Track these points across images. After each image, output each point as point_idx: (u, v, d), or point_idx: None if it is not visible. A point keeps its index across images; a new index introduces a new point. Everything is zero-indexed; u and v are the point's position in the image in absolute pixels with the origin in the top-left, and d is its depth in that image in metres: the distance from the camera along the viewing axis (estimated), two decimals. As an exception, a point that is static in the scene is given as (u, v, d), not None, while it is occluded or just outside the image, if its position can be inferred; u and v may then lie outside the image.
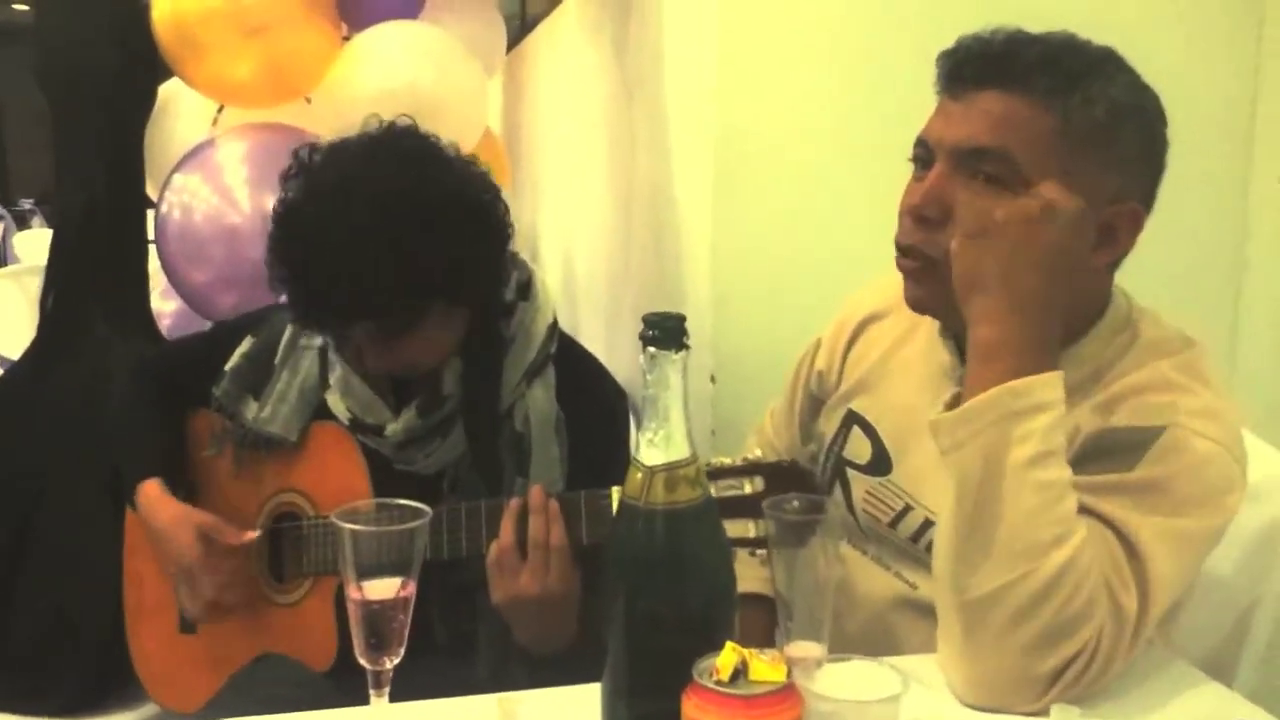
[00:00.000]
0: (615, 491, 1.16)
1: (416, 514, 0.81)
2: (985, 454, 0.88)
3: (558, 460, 1.34)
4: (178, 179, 1.87)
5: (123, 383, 1.50)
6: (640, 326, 0.78)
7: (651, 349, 0.77)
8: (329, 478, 1.38)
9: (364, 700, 0.97)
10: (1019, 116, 0.94)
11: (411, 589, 0.79)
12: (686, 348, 0.78)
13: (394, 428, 1.33)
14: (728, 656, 0.66)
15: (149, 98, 1.97)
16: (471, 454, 1.34)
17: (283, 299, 1.44)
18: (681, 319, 0.78)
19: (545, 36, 3.36)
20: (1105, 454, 0.93)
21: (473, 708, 0.90)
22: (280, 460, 1.41)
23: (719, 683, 0.65)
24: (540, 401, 1.35)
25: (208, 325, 1.92)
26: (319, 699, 1.10)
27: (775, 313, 1.70)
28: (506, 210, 1.33)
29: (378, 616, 0.79)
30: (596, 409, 1.35)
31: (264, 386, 1.40)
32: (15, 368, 1.90)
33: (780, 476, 1.07)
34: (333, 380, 1.37)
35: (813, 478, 1.14)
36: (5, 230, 6.91)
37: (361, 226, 1.19)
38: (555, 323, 1.40)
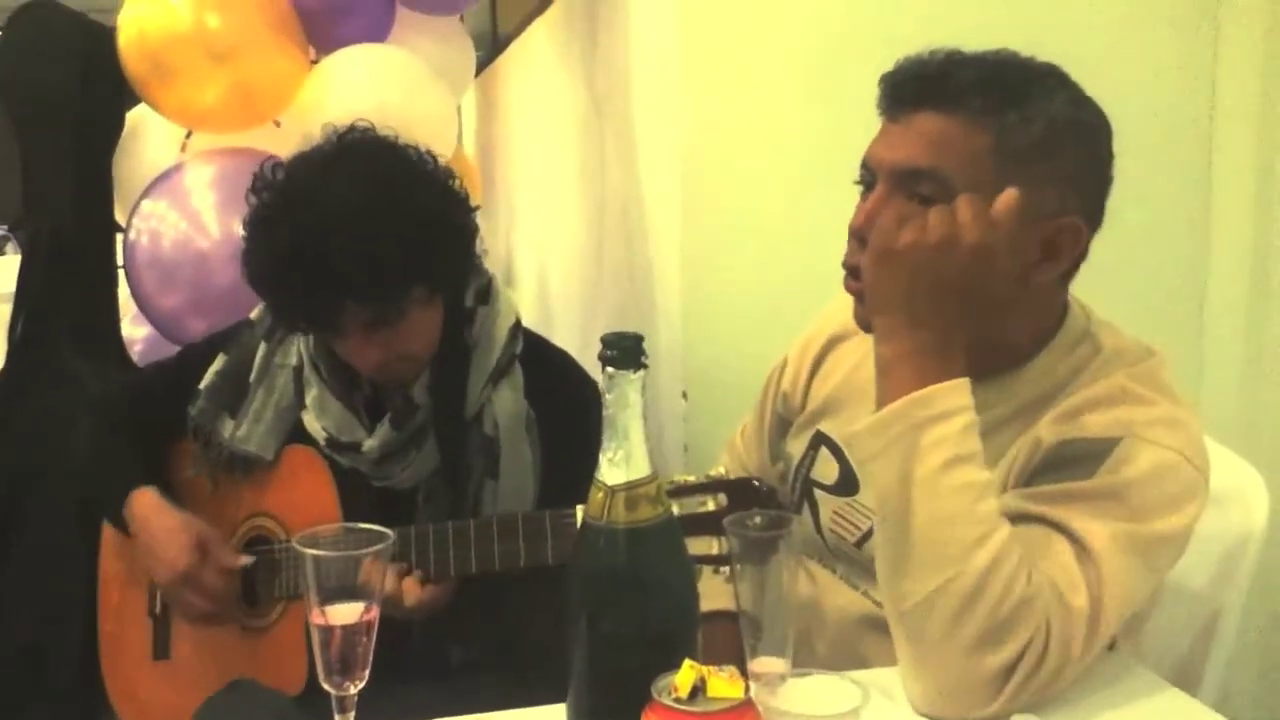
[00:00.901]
0: (580, 510, 1.17)
1: (379, 538, 0.81)
2: (897, 464, 0.90)
3: (530, 463, 1.35)
4: (146, 205, 1.86)
5: (97, 408, 1.49)
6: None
7: (610, 369, 0.78)
8: (300, 500, 1.38)
9: None
10: (953, 137, 0.95)
11: (375, 613, 0.79)
12: (645, 367, 0.79)
13: (370, 443, 1.34)
14: (686, 674, 0.66)
15: (117, 123, 1.96)
16: (442, 464, 1.35)
17: (253, 315, 1.46)
18: (639, 339, 0.79)
19: (517, 56, 3.38)
20: (1064, 465, 0.95)
21: None
22: (254, 483, 1.41)
23: (677, 700, 0.66)
24: (507, 403, 1.36)
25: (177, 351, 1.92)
26: None
27: (746, 328, 1.71)
28: (468, 199, 1.35)
29: (342, 641, 0.79)
30: (567, 405, 1.36)
31: (239, 405, 1.41)
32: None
33: (743, 493, 1.08)
34: (308, 400, 1.38)
35: (774, 494, 1.15)
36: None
37: (344, 206, 1.21)
38: (518, 324, 1.41)
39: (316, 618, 0.78)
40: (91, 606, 1.53)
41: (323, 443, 1.37)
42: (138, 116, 2.06)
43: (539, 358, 1.41)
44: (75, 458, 1.49)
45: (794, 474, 1.21)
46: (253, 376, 1.42)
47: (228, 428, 1.41)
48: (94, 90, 1.90)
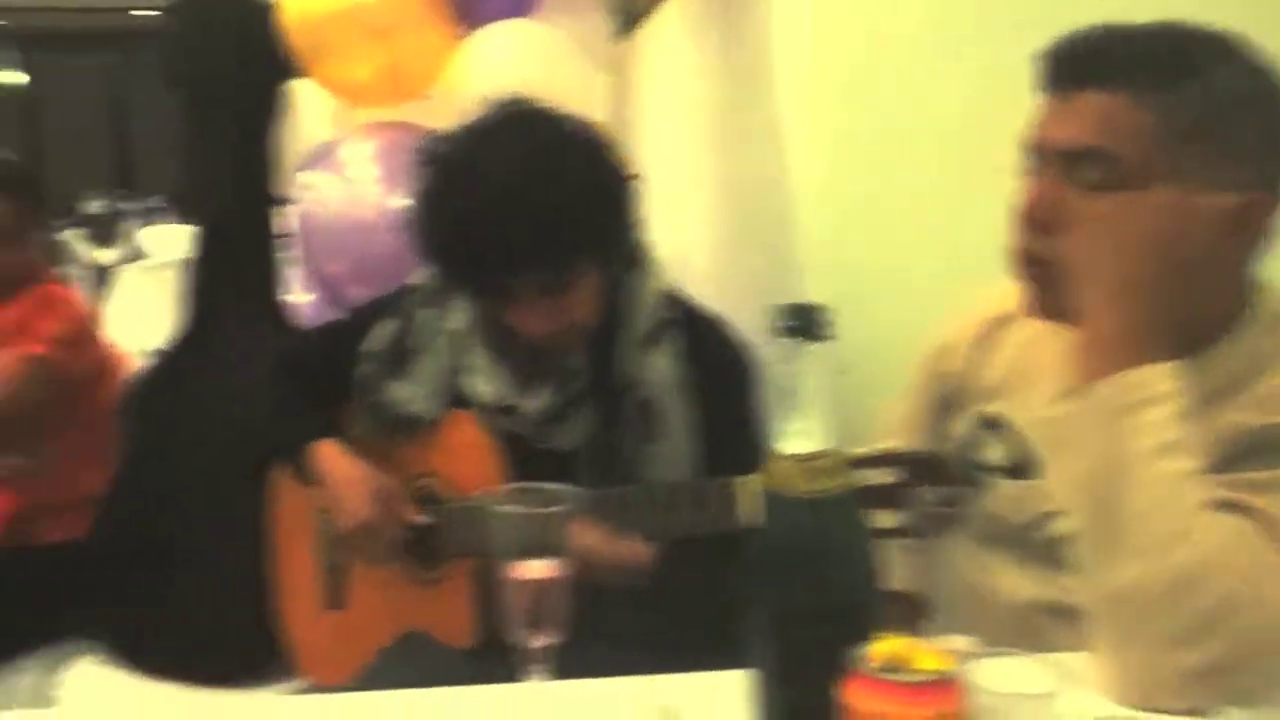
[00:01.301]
0: (742, 480, 1.19)
1: (568, 497, 0.84)
2: (1107, 446, 0.87)
3: (686, 427, 1.38)
4: (308, 176, 1.95)
5: (275, 366, 1.58)
6: (763, 320, 0.79)
7: (791, 339, 0.79)
8: (462, 462, 1.44)
9: (504, 679, 1.01)
10: (1118, 115, 0.93)
11: (566, 570, 0.83)
12: (828, 338, 0.80)
13: (531, 407, 1.38)
14: (890, 644, 0.67)
15: (281, 98, 2.05)
16: (602, 427, 1.39)
17: (415, 281, 1.51)
18: (821, 309, 0.79)
19: (652, 33, 3.37)
20: (1263, 451, 0.92)
21: (626, 690, 0.93)
22: (416, 444, 1.47)
23: (883, 670, 0.66)
24: (663, 368, 1.39)
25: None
26: (461, 676, 1.15)
27: (896, 310, 1.69)
28: (629, 167, 1.39)
29: (532, 596, 0.82)
30: (724, 369, 1.38)
31: (403, 368, 1.46)
32: (159, 357, 2.01)
33: (921, 468, 1.08)
34: (470, 364, 1.43)
35: (951, 470, 1.14)
36: (135, 226, 7.22)
37: (513, 176, 1.26)
38: (670, 289, 1.43)
39: (510, 573, 0.82)
40: (263, 558, 1.62)
41: (483, 406, 1.42)
42: (293, 90, 2.14)
43: (695, 322, 1.44)
44: (256, 411, 1.58)
45: (960, 455, 1.20)
46: (416, 341, 1.48)
47: (391, 390, 1.47)
48: (258, 68, 1.98)
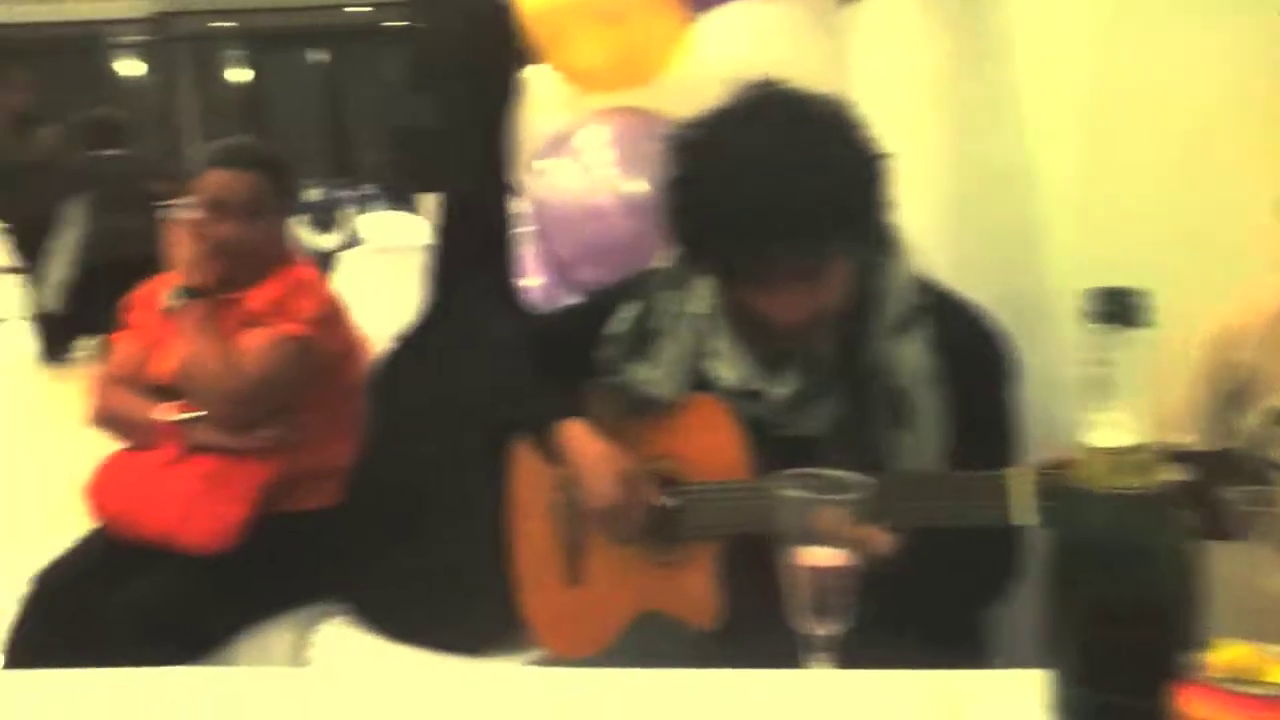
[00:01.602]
0: (1015, 472, 1.15)
1: (857, 485, 0.83)
2: None
3: (937, 417, 1.34)
4: (544, 163, 2.00)
5: (522, 345, 1.63)
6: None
7: (1104, 325, 0.75)
8: (705, 446, 1.44)
9: (747, 662, 1.01)
10: None
11: (854, 558, 0.82)
12: (1147, 324, 0.75)
13: (777, 392, 1.37)
14: (1232, 653, 0.63)
15: (518, 86, 2.11)
16: (849, 413, 1.37)
17: (657, 264, 1.53)
18: (1142, 293, 0.75)
19: (874, 6, 3.29)
20: None
21: (910, 683, 0.91)
22: (657, 427, 1.49)
23: (1228, 680, 0.62)
24: (914, 355, 1.36)
25: (570, 299, 2.05)
26: (704, 658, 1.16)
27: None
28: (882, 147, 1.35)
29: (817, 583, 0.82)
30: (979, 360, 1.34)
31: (645, 351, 1.48)
32: (403, 336, 2.10)
33: (1215, 465, 1.01)
34: (714, 348, 1.43)
35: (1246, 467, 1.07)
36: (351, 213, 7.64)
37: (770, 158, 1.25)
38: (922, 275, 1.40)
39: (794, 559, 0.82)
40: (507, 531, 1.67)
41: (727, 390, 1.42)
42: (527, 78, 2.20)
43: (948, 309, 1.40)
44: (501, 388, 1.63)
45: (1249, 450, 1.12)
46: (657, 324, 1.49)
47: (634, 372, 1.49)
48: (498, 57, 2.05)
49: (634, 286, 1.54)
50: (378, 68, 12.20)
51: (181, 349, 2.04)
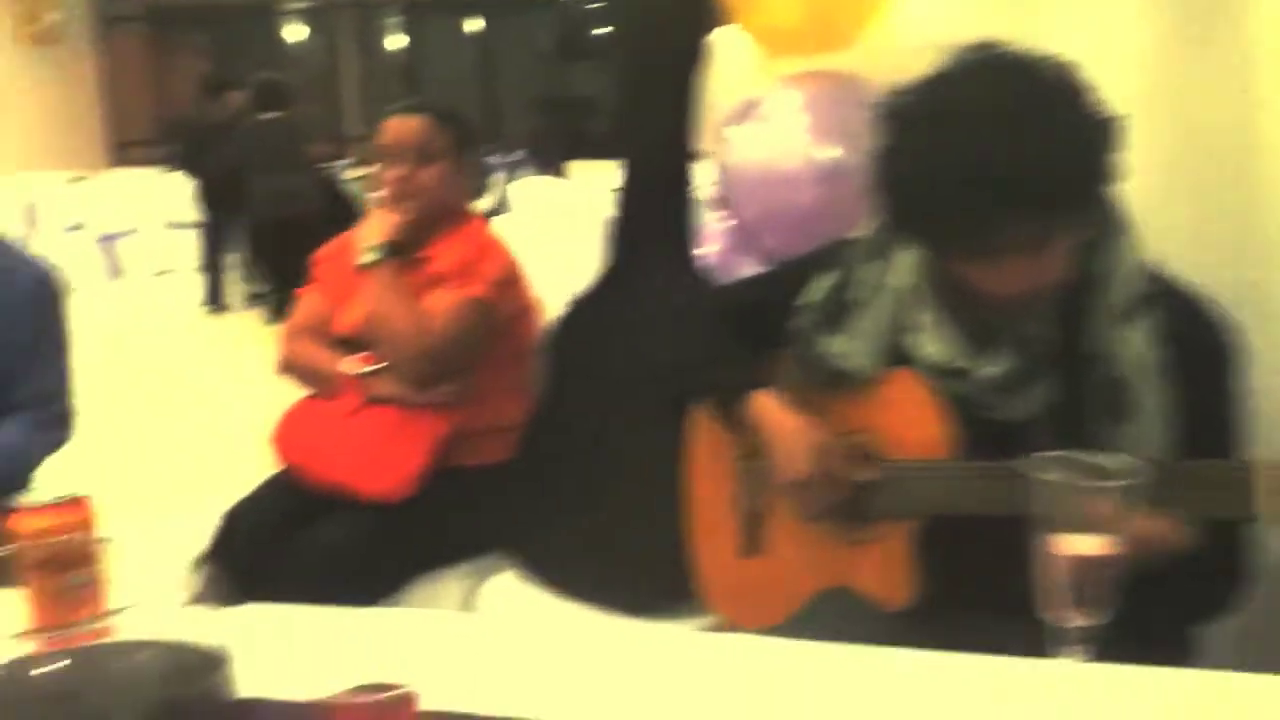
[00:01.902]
0: (1269, 465, 1.09)
1: (1129, 471, 0.78)
2: None
3: (1159, 411, 1.27)
4: (734, 129, 1.97)
5: (710, 313, 1.61)
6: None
7: None
8: (902, 423, 1.40)
9: (942, 646, 0.98)
10: None
11: (1119, 548, 0.77)
12: None
13: (987, 372, 1.32)
14: None
15: (707, 50, 2.08)
16: (1063, 400, 1.31)
17: (855, 235, 1.49)
18: None
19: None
20: None
21: (1176, 682, 0.87)
22: (849, 401, 1.45)
23: None
24: (1137, 345, 1.29)
25: (749, 267, 2.02)
26: (893, 639, 1.12)
27: None
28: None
29: (1079, 573, 0.77)
30: (1207, 351, 1.27)
31: (841, 323, 1.45)
32: (580, 299, 2.11)
33: None
34: (918, 323, 1.39)
35: None
36: (501, 179, 7.78)
37: (1000, 123, 1.20)
38: (1147, 261, 1.33)
39: (1051, 546, 0.78)
40: (676, 497, 1.67)
41: (930, 367, 1.38)
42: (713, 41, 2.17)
43: (1176, 298, 1.32)
44: (685, 354, 1.62)
45: None
46: (857, 295, 1.45)
47: (828, 344, 1.46)
48: (688, 19, 2.02)
49: (829, 256, 1.51)
50: (531, 37, 12.35)
51: (368, 304, 2.09)
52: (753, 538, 1.58)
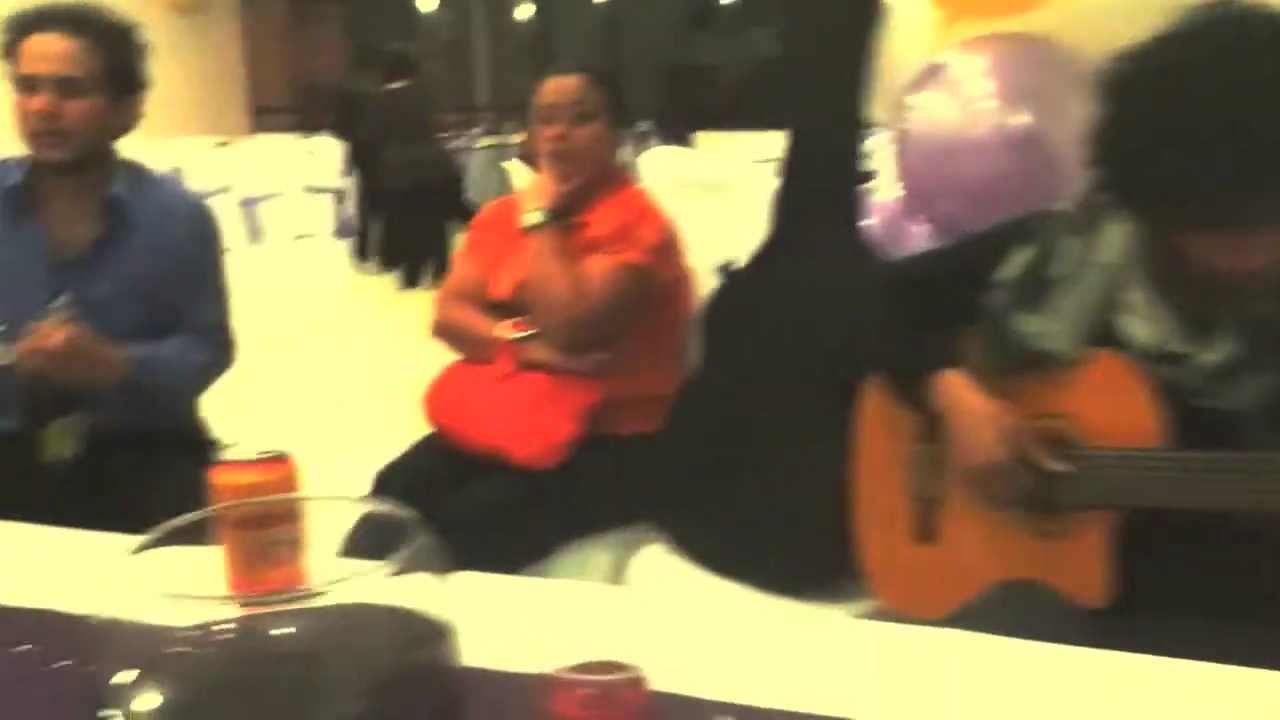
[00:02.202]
0: None
1: None
2: None
3: None
4: (916, 97, 1.88)
5: (886, 286, 1.55)
6: None
7: None
8: (1108, 409, 1.31)
9: (1144, 648, 0.90)
10: None
11: None
12: None
13: (1206, 357, 1.23)
14: None
15: (880, 13, 2.00)
16: None
17: (1056, 207, 1.40)
18: None
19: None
20: None
21: None
22: (1046, 382, 1.37)
23: None
24: None
25: (917, 239, 1.94)
26: (1085, 638, 1.05)
27: None
28: None
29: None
30: None
31: (1040, 300, 1.36)
32: (741, 269, 2.06)
33: None
34: (1129, 302, 1.29)
35: None
36: (630, 150, 7.76)
37: (1245, 84, 1.11)
38: None
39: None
40: (842, 475, 1.61)
41: (1140, 350, 1.29)
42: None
43: None
44: (860, 330, 1.55)
45: None
46: (1059, 271, 1.36)
47: (1024, 322, 1.37)
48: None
49: (1026, 229, 1.42)
50: (657, 6, 12.28)
51: (527, 269, 2.08)
52: (926, 523, 1.51)
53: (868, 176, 1.99)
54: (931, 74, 1.87)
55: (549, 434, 2.04)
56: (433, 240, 7.54)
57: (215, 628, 0.61)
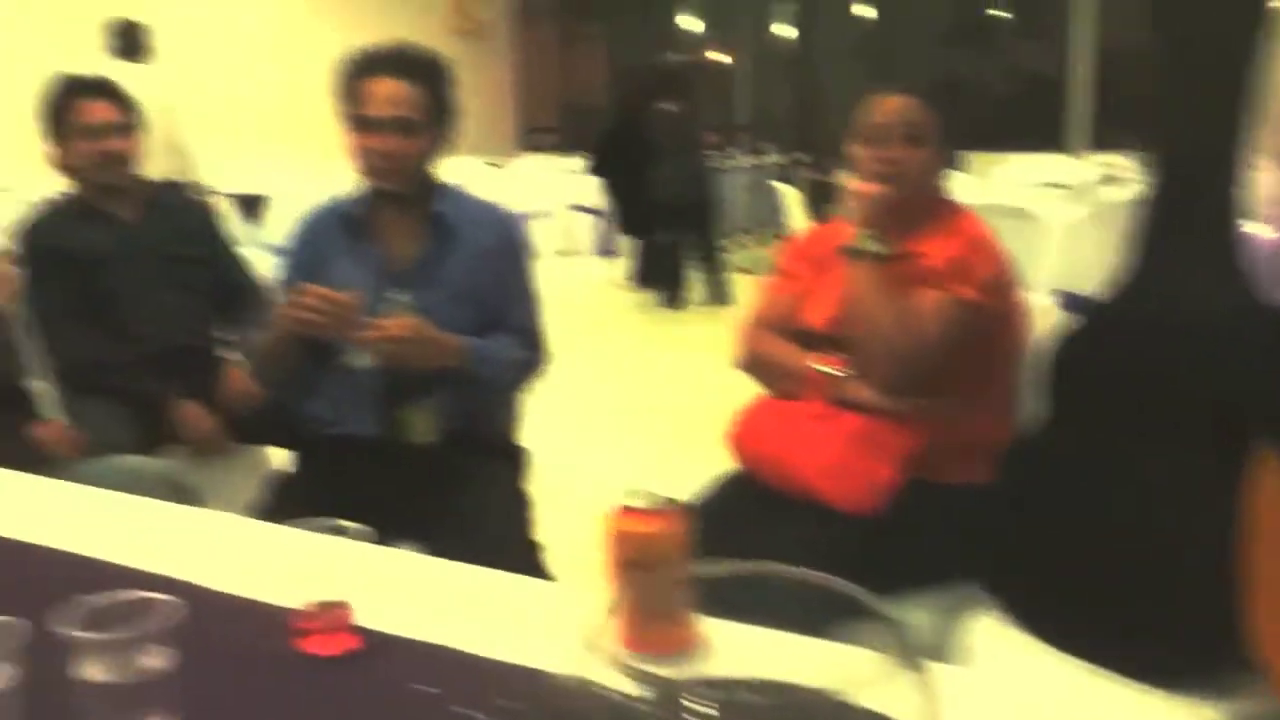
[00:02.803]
0: None
1: None
2: None
3: None
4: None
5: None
6: None
7: None
8: None
9: None
10: None
11: None
12: None
13: None
14: None
15: (1269, 23, 1.77)
16: None
17: None
18: None
19: None
20: None
21: None
22: None
23: None
24: None
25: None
26: None
27: None
28: None
29: None
30: None
31: None
32: (1097, 308, 1.85)
33: None
34: None
35: None
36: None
37: None
38: None
39: None
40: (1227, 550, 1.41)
41: None
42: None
43: None
44: (1256, 384, 1.36)
45: None
46: None
47: None
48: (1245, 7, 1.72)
49: None
50: (923, 23, 11.91)
51: (850, 300, 1.97)
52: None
53: (1248, 210, 1.76)
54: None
55: (867, 479, 1.92)
56: (695, 260, 7.58)
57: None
